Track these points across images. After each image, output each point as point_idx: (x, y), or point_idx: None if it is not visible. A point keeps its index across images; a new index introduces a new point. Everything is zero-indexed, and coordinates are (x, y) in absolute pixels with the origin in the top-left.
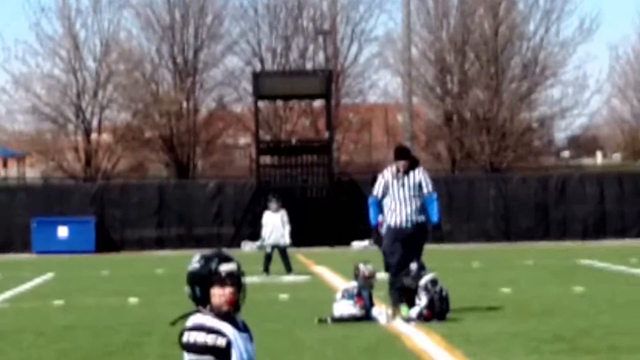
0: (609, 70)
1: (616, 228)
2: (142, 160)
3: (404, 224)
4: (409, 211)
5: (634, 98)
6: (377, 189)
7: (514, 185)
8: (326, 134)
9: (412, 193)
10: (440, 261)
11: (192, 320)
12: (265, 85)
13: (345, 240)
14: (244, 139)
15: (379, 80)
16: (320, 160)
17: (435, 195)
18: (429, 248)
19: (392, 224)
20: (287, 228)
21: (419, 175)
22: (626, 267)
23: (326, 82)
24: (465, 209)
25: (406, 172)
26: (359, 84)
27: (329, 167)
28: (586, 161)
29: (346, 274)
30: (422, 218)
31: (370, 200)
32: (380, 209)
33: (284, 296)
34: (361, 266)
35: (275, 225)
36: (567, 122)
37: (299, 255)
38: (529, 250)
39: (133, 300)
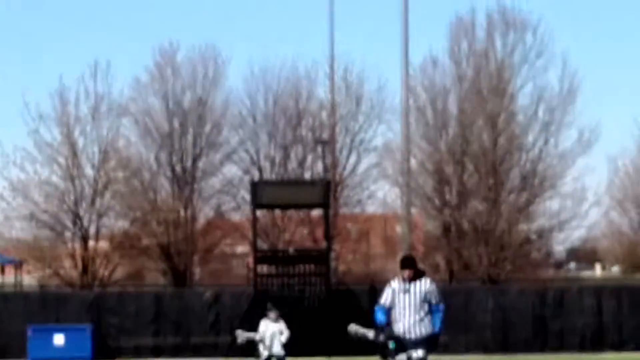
0: (608, 183)
1: (614, 341)
2: (140, 268)
3: (406, 335)
4: (411, 322)
5: (633, 211)
6: (385, 299)
7: (512, 297)
8: (324, 244)
9: (416, 303)
10: None
11: None
12: (263, 194)
13: (342, 351)
14: (242, 248)
15: (378, 190)
16: (318, 269)
17: (442, 307)
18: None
19: (395, 333)
20: (286, 334)
21: (425, 285)
22: None
23: (324, 192)
24: (463, 320)
25: (411, 281)
26: (358, 194)
27: (327, 277)
28: (585, 273)
29: None
30: (425, 330)
31: (377, 307)
32: (387, 315)
33: None
34: None
35: (274, 333)
36: (565, 235)
37: None
38: None
39: None
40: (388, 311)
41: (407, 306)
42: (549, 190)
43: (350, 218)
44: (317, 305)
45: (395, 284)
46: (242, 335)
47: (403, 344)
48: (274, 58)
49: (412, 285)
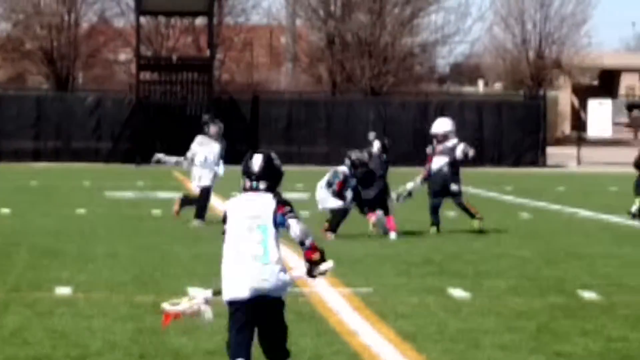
0: None
1: (493, 156)
2: (22, 72)
3: None
4: None
5: (516, 27)
6: None
7: (394, 110)
8: (207, 53)
9: None
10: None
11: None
12: (147, 0)
13: (223, 159)
14: (125, 55)
15: (263, 0)
16: (201, 78)
17: None
18: (313, 170)
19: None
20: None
21: None
22: (499, 194)
23: (209, 0)
24: (344, 131)
25: None
26: (242, 3)
27: (209, 86)
28: (468, 89)
29: (222, 192)
30: None
31: None
32: None
33: (157, 212)
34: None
35: (215, 155)
36: (449, 49)
37: (174, 172)
38: (406, 175)
39: (5, 210)
40: None
41: None
42: (434, 4)
43: (234, 28)
44: (199, 113)
45: None
46: (164, 159)
47: None
48: None
49: None
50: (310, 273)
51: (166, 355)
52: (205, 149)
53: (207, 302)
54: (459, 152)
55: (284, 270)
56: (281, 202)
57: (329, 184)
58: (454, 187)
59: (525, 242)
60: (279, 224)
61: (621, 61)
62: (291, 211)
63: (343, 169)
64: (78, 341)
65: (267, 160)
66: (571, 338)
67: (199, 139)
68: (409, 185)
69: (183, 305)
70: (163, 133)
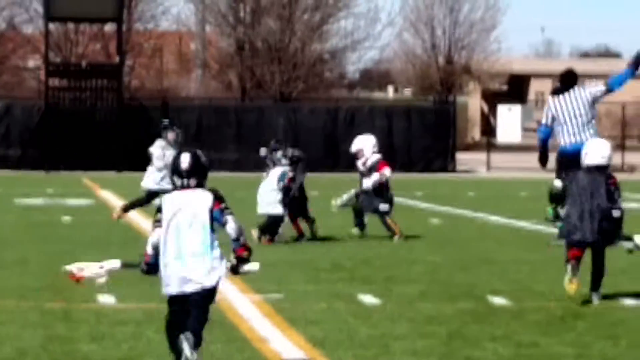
0: (402, 4)
1: (403, 161)
2: None
3: None
4: None
5: (426, 33)
6: None
7: (303, 116)
8: (117, 59)
9: None
10: (227, 189)
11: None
12: (56, 6)
13: (132, 166)
14: (34, 61)
15: (172, 6)
16: (110, 84)
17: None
18: (222, 177)
19: None
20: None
21: None
22: (409, 200)
23: (118, 6)
24: (255, 138)
25: None
26: (152, 9)
27: (119, 92)
28: (377, 95)
29: (131, 198)
30: None
31: None
32: None
33: (67, 218)
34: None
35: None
36: (358, 55)
37: (84, 178)
38: (316, 181)
39: None
40: None
41: None
42: (343, 10)
43: (144, 34)
44: (108, 120)
45: None
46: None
47: None
48: None
49: None
50: (236, 270)
51: None
52: (165, 153)
53: (110, 272)
54: (370, 184)
55: (221, 262)
56: (218, 198)
57: (279, 181)
58: (382, 207)
59: (437, 248)
60: (215, 219)
61: (530, 67)
62: (227, 207)
63: (288, 169)
64: None
65: (195, 158)
66: (481, 343)
67: (160, 142)
68: (345, 197)
69: (89, 271)
70: (72, 139)
